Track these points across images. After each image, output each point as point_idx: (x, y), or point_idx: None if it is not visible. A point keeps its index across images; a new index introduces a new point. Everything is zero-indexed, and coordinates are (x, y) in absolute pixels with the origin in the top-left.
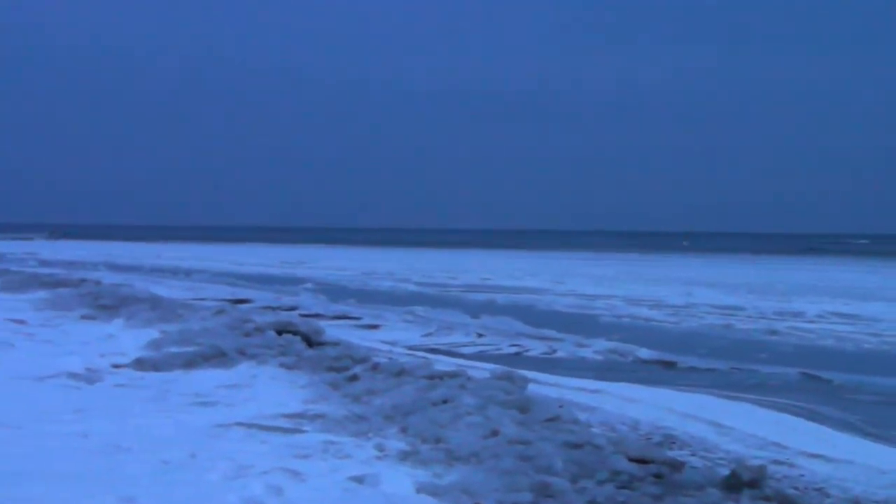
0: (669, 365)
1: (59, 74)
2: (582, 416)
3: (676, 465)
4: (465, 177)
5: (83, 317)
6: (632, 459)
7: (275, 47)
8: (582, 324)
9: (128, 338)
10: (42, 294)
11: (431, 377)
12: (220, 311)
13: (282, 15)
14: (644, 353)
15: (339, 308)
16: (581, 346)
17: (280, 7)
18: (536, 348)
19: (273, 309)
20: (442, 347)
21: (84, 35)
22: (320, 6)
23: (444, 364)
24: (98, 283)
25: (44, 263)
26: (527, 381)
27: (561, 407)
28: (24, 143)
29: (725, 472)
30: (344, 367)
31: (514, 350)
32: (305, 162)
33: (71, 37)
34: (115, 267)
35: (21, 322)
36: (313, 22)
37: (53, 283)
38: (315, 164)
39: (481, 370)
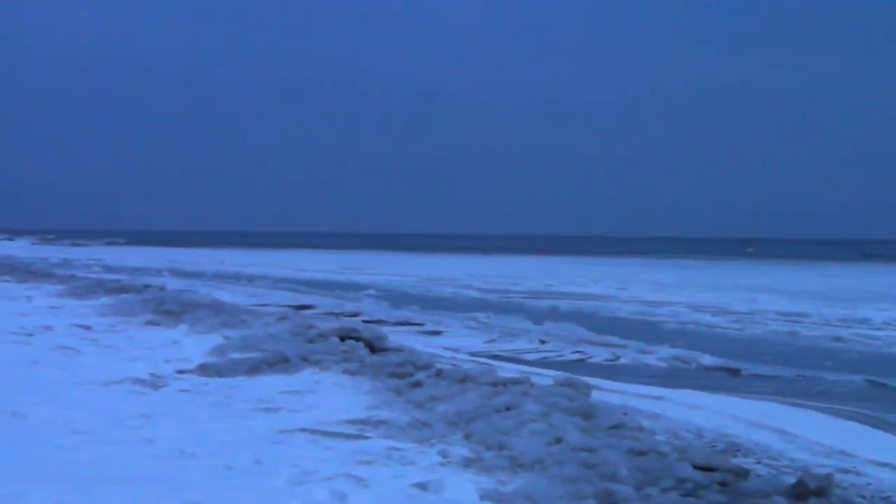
0: (734, 372)
1: (118, 83)
2: (646, 423)
3: (741, 473)
4: (523, 182)
5: (148, 322)
6: (696, 467)
7: (331, 54)
8: (645, 330)
9: (192, 344)
10: (107, 300)
11: (495, 384)
12: (283, 317)
13: (365, 23)
14: (708, 359)
15: (402, 314)
16: (644, 352)
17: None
18: (600, 355)
19: (336, 315)
20: (505, 354)
21: (153, 43)
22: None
23: (507, 371)
24: (162, 288)
25: (108, 269)
26: (590, 388)
27: (625, 414)
28: (90, 150)
29: (791, 480)
30: (407, 374)
31: (577, 357)
32: (365, 169)
33: (137, 46)
34: (178, 273)
35: (87, 328)
36: (392, 30)
37: (118, 289)
38: (375, 171)
39: (544, 377)
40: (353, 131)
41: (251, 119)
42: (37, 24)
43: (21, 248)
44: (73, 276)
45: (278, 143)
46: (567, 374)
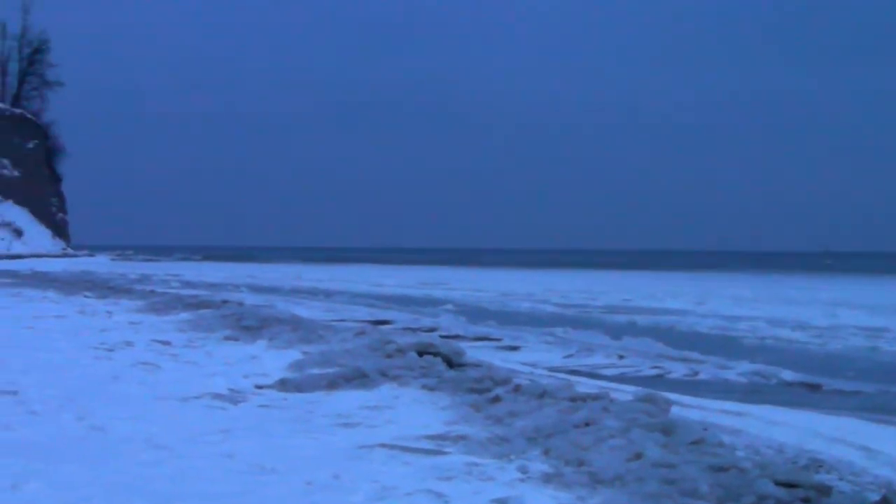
0: (814, 387)
1: (184, 99)
2: (726, 439)
3: (824, 490)
4: (597, 196)
5: (226, 338)
6: (778, 483)
7: (414, 70)
8: (724, 345)
9: (270, 359)
10: (186, 315)
11: (573, 399)
12: (360, 333)
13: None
14: (788, 375)
15: (479, 329)
16: (724, 368)
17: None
18: (678, 370)
19: (413, 330)
20: (583, 369)
21: (252, 58)
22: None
23: (585, 386)
24: (240, 304)
25: (187, 285)
26: (670, 403)
27: (705, 430)
28: (161, 168)
29: (875, 497)
30: (485, 389)
31: (655, 372)
32: (440, 184)
33: (233, 60)
34: (256, 288)
35: (166, 343)
36: (475, 45)
37: (197, 305)
38: (452, 186)
39: (623, 392)
40: (424, 146)
41: (325, 134)
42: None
43: (100, 264)
44: (152, 292)
45: (353, 159)
46: (646, 390)
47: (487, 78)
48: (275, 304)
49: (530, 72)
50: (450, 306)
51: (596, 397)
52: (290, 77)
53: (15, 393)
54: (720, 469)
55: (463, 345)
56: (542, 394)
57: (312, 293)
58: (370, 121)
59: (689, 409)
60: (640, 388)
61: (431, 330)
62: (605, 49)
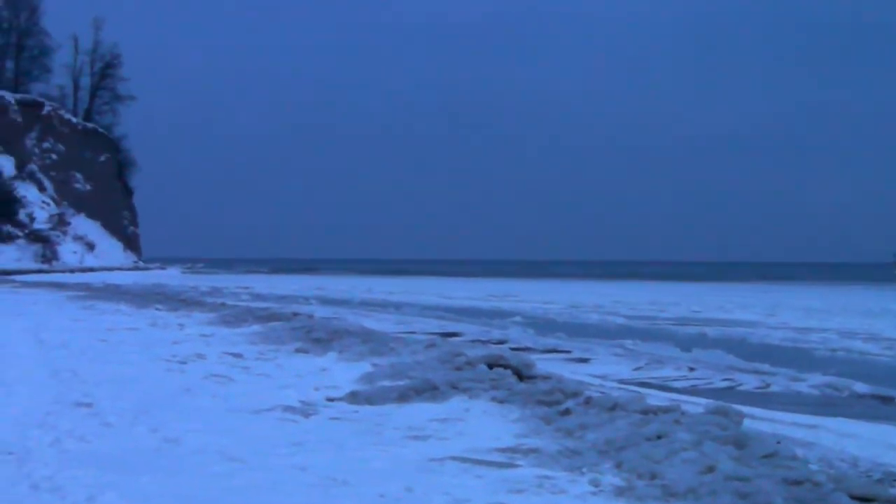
0: (888, 400)
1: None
2: (800, 452)
3: None
4: (666, 207)
5: (297, 350)
6: (853, 497)
7: (493, 76)
8: (795, 357)
9: (341, 371)
10: (257, 328)
11: (645, 412)
12: (430, 345)
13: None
14: (861, 387)
15: (549, 341)
16: (796, 380)
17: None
18: (749, 382)
19: (483, 342)
20: (653, 381)
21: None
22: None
23: (656, 398)
24: (310, 316)
25: (257, 297)
26: (742, 416)
27: (778, 443)
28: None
29: None
30: (556, 401)
31: (726, 384)
32: (513, 195)
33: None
34: (325, 300)
35: (238, 356)
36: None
37: (267, 317)
38: (520, 197)
39: (695, 405)
40: (491, 157)
41: (386, 144)
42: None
43: (172, 277)
44: (223, 305)
45: (415, 171)
46: (718, 402)
47: (549, 87)
48: (345, 317)
49: (593, 83)
50: (519, 318)
51: (667, 410)
52: (349, 91)
53: (89, 405)
54: (794, 482)
55: (532, 357)
56: (614, 406)
57: (382, 305)
58: (431, 131)
59: (761, 422)
60: (711, 401)
61: (501, 342)
62: (665, 63)
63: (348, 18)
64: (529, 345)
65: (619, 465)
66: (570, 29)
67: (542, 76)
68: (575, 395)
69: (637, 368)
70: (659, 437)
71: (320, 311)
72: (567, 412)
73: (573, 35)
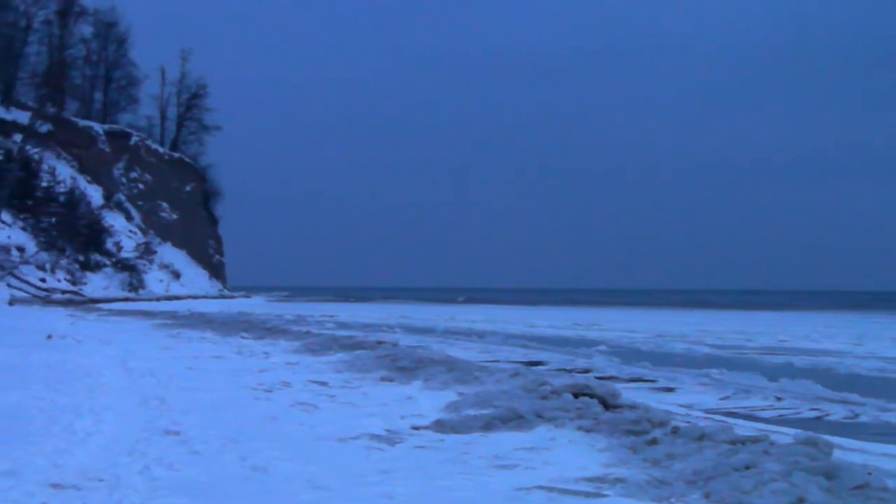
0: None
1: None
2: (891, 484)
3: None
4: (748, 236)
5: (382, 379)
6: None
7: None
8: (885, 387)
9: (426, 400)
10: (342, 356)
11: (733, 442)
12: (515, 374)
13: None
14: None
15: (634, 370)
16: (885, 410)
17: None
18: (838, 413)
19: (568, 371)
20: (740, 411)
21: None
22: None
23: (744, 428)
24: (395, 345)
25: (342, 325)
26: (831, 446)
27: (870, 474)
28: (311, 210)
29: None
30: (642, 431)
31: (814, 414)
32: (595, 224)
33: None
34: (410, 329)
35: (323, 384)
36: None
37: (352, 346)
38: (602, 226)
39: (783, 435)
40: (572, 185)
41: (471, 172)
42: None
43: (256, 305)
44: (307, 333)
45: (497, 198)
46: (807, 433)
47: (629, 118)
48: (429, 345)
49: (680, 111)
50: (603, 347)
51: (756, 440)
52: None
53: (177, 433)
54: None
55: (618, 386)
56: (701, 436)
57: (466, 334)
58: (511, 160)
59: (850, 453)
60: (800, 431)
61: (586, 371)
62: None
63: (437, 46)
64: (614, 374)
65: (707, 496)
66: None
67: (624, 103)
68: (662, 424)
69: (724, 398)
70: (747, 468)
71: (405, 340)
72: (654, 442)
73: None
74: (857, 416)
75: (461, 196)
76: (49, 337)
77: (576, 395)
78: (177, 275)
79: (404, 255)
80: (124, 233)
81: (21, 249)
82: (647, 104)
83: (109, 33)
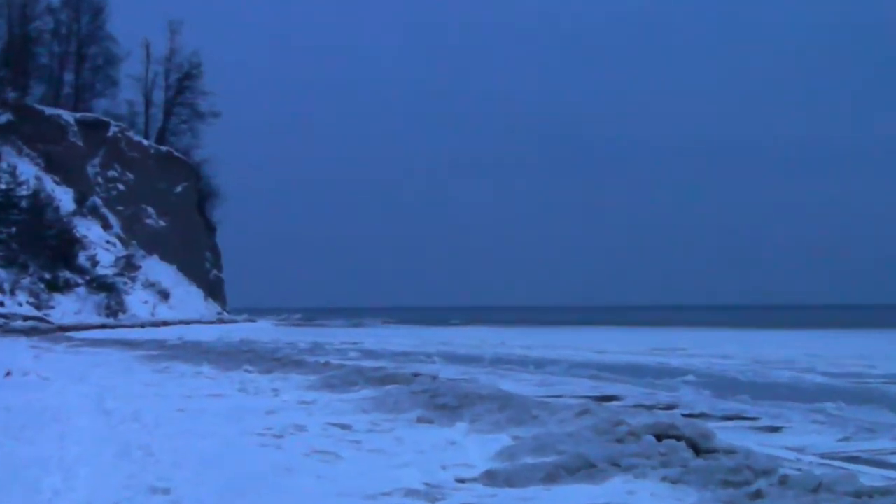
0: None
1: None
2: None
3: None
4: (854, 246)
5: (419, 420)
6: None
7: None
8: None
9: (473, 445)
10: (368, 392)
11: (857, 494)
12: (583, 412)
13: None
14: None
15: (730, 406)
16: None
17: None
18: None
19: (648, 408)
20: (864, 455)
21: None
22: None
23: (869, 477)
24: (434, 377)
25: (368, 354)
26: None
27: None
28: (328, 227)
29: None
30: (743, 482)
31: None
32: (680, 232)
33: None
34: (451, 357)
35: (346, 427)
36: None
37: (381, 379)
38: (688, 234)
39: None
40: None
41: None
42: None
43: (263, 331)
44: (326, 364)
45: (551, 205)
46: None
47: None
48: (476, 377)
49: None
50: (691, 377)
51: (885, 491)
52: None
53: (166, 491)
54: None
55: (711, 425)
56: (817, 487)
57: (520, 363)
58: (576, 164)
59: None
60: None
61: (670, 407)
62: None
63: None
64: (706, 410)
65: None
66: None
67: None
68: (767, 472)
69: (843, 439)
70: None
71: (446, 371)
72: (758, 495)
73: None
74: None
75: (508, 204)
76: (8, 374)
77: (659, 438)
78: (165, 295)
79: (445, 270)
80: (101, 244)
81: None
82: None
83: (82, 2)
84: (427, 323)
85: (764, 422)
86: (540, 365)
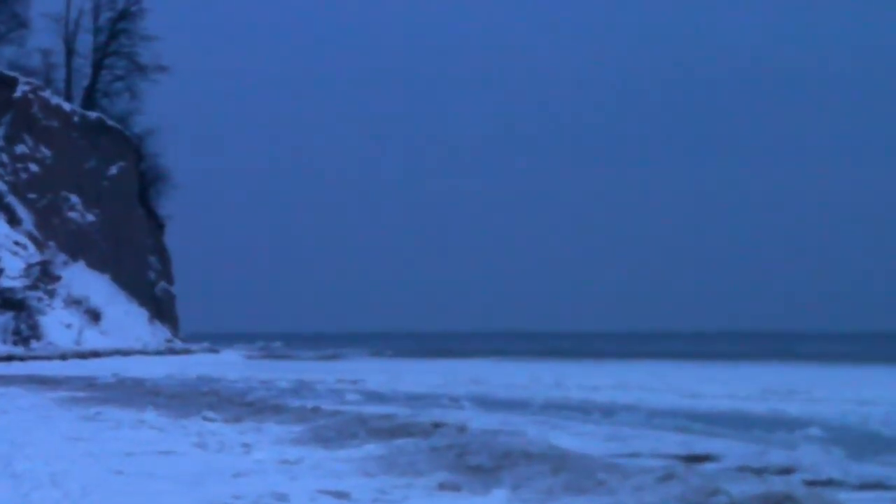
0: None
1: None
2: None
3: None
4: None
5: (441, 486)
6: None
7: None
8: None
9: None
10: (373, 448)
11: None
12: (667, 477)
13: None
14: None
15: (869, 470)
16: None
17: None
18: None
19: (756, 472)
20: None
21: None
22: None
23: None
24: (462, 428)
25: (372, 397)
26: None
27: None
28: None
29: None
30: None
31: None
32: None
33: None
34: (485, 401)
35: (342, 496)
36: None
37: (390, 431)
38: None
39: None
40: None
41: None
42: None
43: (230, 365)
44: (315, 410)
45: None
46: None
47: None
48: (520, 429)
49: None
50: (815, 430)
51: None
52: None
53: None
54: None
55: (842, 497)
56: None
57: (582, 409)
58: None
59: None
60: None
61: (787, 471)
62: None
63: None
64: (835, 475)
65: None
66: None
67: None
68: None
69: None
70: None
71: (478, 420)
72: None
73: None
74: None
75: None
76: None
77: None
78: (95, 315)
79: (459, 288)
80: (6, 246)
81: None
82: None
83: None
84: (448, 354)
85: None
86: (609, 412)
